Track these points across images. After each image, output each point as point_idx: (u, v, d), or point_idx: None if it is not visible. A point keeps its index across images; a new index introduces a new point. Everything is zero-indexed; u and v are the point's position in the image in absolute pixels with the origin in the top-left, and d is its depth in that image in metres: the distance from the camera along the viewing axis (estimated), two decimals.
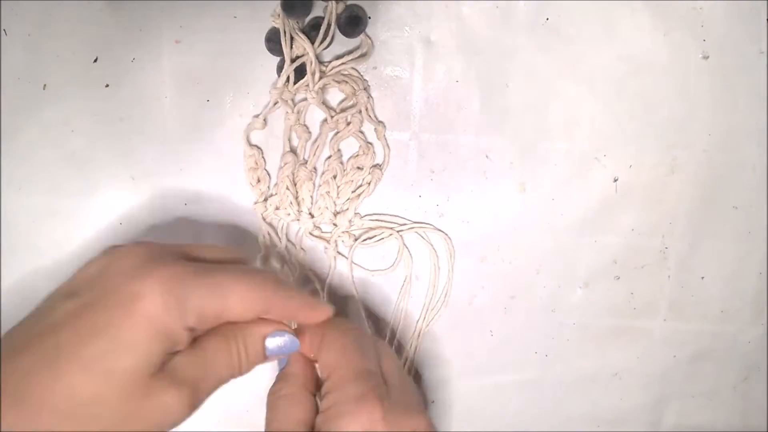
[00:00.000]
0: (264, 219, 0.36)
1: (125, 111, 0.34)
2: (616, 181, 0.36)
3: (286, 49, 0.32)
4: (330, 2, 0.32)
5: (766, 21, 0.34)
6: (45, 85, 0.34)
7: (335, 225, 0.36)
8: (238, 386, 0.38)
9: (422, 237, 0.36)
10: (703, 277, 0.38)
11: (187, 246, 0.30)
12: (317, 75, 0.33)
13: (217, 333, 0.29)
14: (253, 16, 0.33)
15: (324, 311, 0.30)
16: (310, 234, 0.36)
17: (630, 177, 0.36)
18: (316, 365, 0.31)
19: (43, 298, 0.27)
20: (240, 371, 0.30)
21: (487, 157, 0.36)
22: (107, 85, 0.34)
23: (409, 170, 0.36)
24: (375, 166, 0.35)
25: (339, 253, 0.36)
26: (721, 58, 0.35)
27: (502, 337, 0.38)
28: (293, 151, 0.35)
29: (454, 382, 0.39)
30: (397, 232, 0.36)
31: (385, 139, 0.35)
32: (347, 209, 0.36)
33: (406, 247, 0.36)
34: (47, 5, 0.33)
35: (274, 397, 0.30)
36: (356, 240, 0.36)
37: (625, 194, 0.36)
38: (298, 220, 0.35)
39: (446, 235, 0.36)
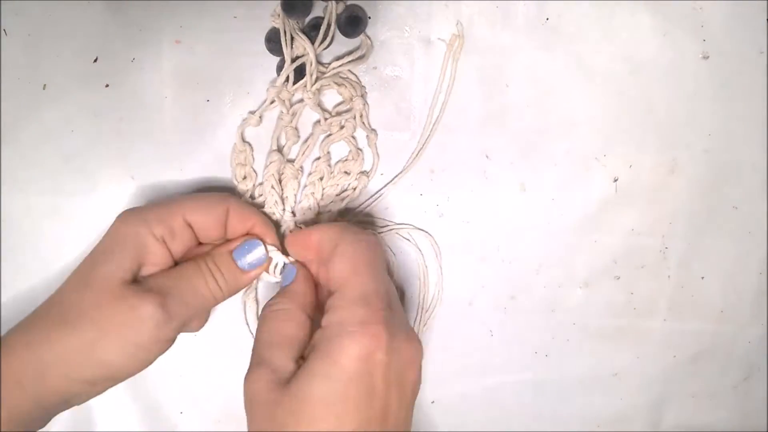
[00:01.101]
0: None
1: (125, 111, 0.34)
2: (616, 181, 0.36)
3: (286, 50, 0.32)
4: (330, 2, 0.32)
5: (766, 21, 0.34)
6: (45, 85, 0.34)
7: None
8: (238, 387, 0.38)
9: (406, 238, 0.36)
10: (703, 277, 0.38)
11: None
12: (315, 75, 0.33)
13: (190, 257, 0.32)
14: (253, 16, 0.33)
15: (273, 236, 0.33)
16: (290, 232, 0.35)
17: (630, 177, 0.36)
18: (321, 283, 0.32)
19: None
20: (221, 290, 0.31)
21: (487, 157, 0.36)
22: (107, 85, 0.34)
23: (409, 170, 0.36)
24: (362, 172, 0.35)
25: None
26: (721, 58, 0.35)
27: (502, 337, 0.38)
28: (280, 150, 0.35)
29: (454, 382, 0.39)
30: (379, 234, 0.36)
31: (376, 147, 0.35)
32: (330, 211, 0.36)
33: (389, 248, 0.36)
34: (47, 5, 0.33)
35: (268, 310, 0.30)
36: None
37: (625, 194, 0.36)
38: (281, 218, 0.35)
39: (428, 233, 0.36)
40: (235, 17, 0.33)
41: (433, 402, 0.39)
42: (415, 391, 0.28)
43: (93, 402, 0.37)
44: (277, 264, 0.33)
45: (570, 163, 0.36)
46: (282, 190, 0.35)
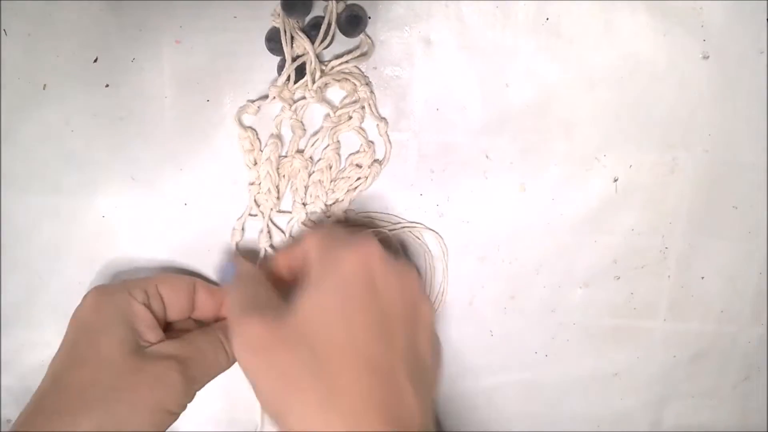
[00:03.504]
0: (256, 202, 0.35)
1: (125, 111, 0.34)
2: (616, 181, 0.36)
3: (286, 49, 0.32)
4: (330, 2, 0.32)
5: (766, 21, 0.34)
6: (45, 85, 0.34)
7: (328, 217, 0.36)
8: (238, 387, 0.38)
9: (416, 237, 0.36)
10: (703, 277, 0.38)
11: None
12: (317, 74, 0.33)
13: (196, 329, 0.33)
14: (253, 16, 0.33)
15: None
16: (302, 224, 0.36)
17: (630, 177, 0.36)
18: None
19: None
20: (225, 357, 0.33)
21: (487, 157, 0.36)
22: (107, 85, 0.34)
23: (409, 170, 0.36)
24: (375, 161, 0.35)
25: None
26: (721, 58, 0.35)
27: (501, 337, 0.38)
28: (279, 137, 0.35)
29: (454, 382, 0.39)
30: (389, 231, 0.36)
31: (387, 136, 0.35)
32: (342, 200, 0.35)
33: (399, 247, 0.36)
34: (47, 5, 0.33)
35: (231, 295, 0.31)
36: None
37: (625, 194, 0.36)
38: (274, 206, 0.35)
39: (438, 234, 0.36)
40: (235, 17, 0.33)
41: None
42: (421, 306, 0.28)
43: None
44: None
45: (570, 163, 0.36)
46: (279, 178, 0.35)
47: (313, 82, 0.33)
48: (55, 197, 0.35)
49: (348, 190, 0.35)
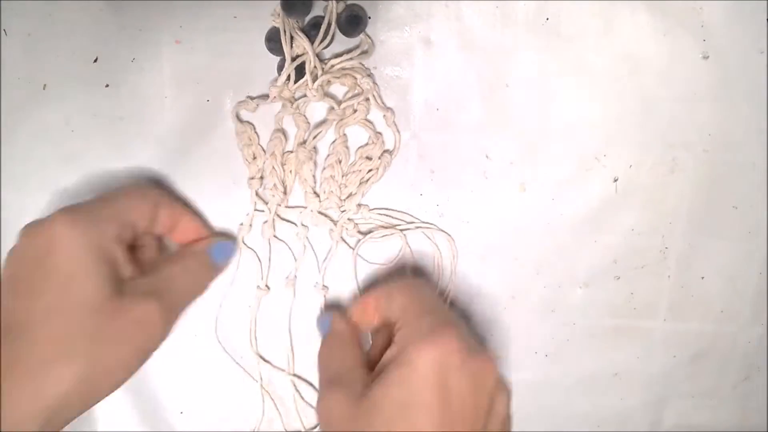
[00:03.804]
0: (258, 195, 0.35)
1: (125, 111, 0.34)
2: (616, 181, 0.36)
3: (286, 48, 0.32)
4: (330, 2, 0.32)
5: (766, 21, 0.34)
6: (45, 85, 0.34)
7: (343, 211, 0.36)
8: (238, 387, 0.38)
9: (428, 238, 0.36)
10: (703, 277, 0.38)
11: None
12: (317, 73, 0.33)
13: (166, 257, 0.33)
14: (253, 16, 0.33)
15: (200, 230, 0.34)
16: (318, 213, 0.35)
17: (630, 177, 0.36)
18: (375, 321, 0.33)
19: None
20: (200, 282, 0.33)
21: (487, 157, 0.36)
22: (107, 85, 0.34)
23: (409, 170, 0.36)
24: (385, 152, 0.35)
25: (342, 239, 0.36)
26: (721, 58, 0.35)
27: (502, 337, 0.38)
28: (282, 131, 0.35)
29: None
30: (402, 231, 0.36)
31: (395, 125, 0.35)
32: (355, 194, 0.35)
33: (409, 246, 0.36)
34: (47, 5, 0.33)
35: (322, 354, 0.33)
36: (363, 235, 0.36)
37: (625, 194, 0.36)
38: (282, 201, 0.35)
39: (450, 236, 0.36)
40: (235, 17, 0.33)
41: None
42: (496, 398, 0.28)
43: None
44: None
45: (570, 163, 0.36)
46: (284, 172, 0.35)
47: (314, 81, 0.33)
48: (55, 197, 0.35)
49: (360, 183, 0.35)
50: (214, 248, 0.34)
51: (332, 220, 0.36)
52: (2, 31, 0.33)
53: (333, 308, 0.36)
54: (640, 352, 0.39)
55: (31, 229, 0.28)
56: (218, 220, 0.36)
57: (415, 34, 0.34)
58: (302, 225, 0.36)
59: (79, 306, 0.27)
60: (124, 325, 0.27)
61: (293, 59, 0.33)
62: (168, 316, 0.29)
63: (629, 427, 0.40)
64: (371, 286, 0.37)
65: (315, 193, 0.35)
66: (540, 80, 0.35)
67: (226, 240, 0.35)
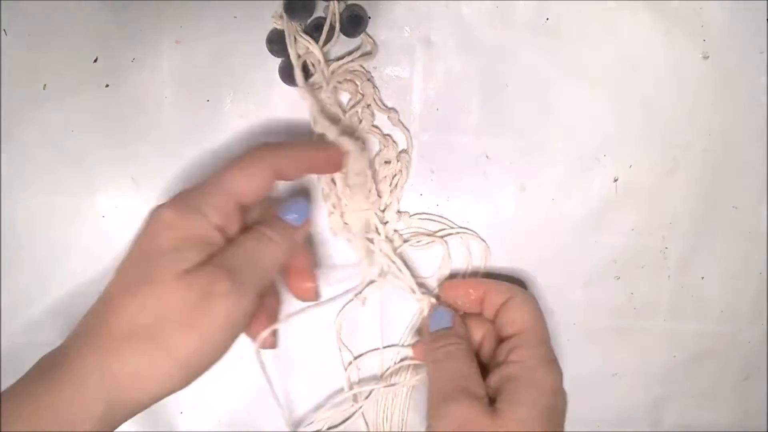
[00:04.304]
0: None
1: (125, 111, 0.34)
2: (616, 181, 0.36)
3: (292, 51, 0.32)
4: (331, 2, 0.32)
5: (766, 21, 0.34)
6: (45, 85, 0.34)
7: (385, 224, 0.35)
8: (238, 387, 0.38)
9: (463, 244, 0.36)
10: (703, 277, 0.38)
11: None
12: (327, 73, 0.33)
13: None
14: (253, 16, 0.33)
15: (335, 149, 0.32)
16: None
17: (630, 177, 0.36)
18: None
19: None
20: (279, 251, 0.30)
21: (487, 157, 0.36)
22: (107, 85, 0.34)
23: (410, 170, 0.36)
24: (402, 151, 0.35)
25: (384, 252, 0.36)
26: (721, 58, 0.35)
27: None
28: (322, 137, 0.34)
29: None
30: (443, 238, 0.36)
31: (402, 123, 0.35)
32: (390, 203, 0.35)
33: (448, 252, 0.37)
34: (47, 5, 0.33)
35: (438, 352, 0.33)
36: (404, 242, 0.36)
37: (625, 194, 0.36)
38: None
39: (486, 243, 0.36)
40: (235, 17, 0.33)
41: None
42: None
43: None
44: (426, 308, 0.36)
45: (570, 163, 0.36)
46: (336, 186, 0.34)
47: (327, 83, 0.33)
48: (55, 197, 0.35)
49: (391, 190, 0.35)
50: (284, 208, 0.31)
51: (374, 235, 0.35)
52: (2, 31, 0.33)
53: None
54: (640, 352, 0.39)
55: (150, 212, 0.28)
56: None
57: (415, 34, 0.34)
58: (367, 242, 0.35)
59: (164, 289, 0.26)
60: (193, 304, 0.26)
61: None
62: (240, 290, 0.27)
63: (629, 427, 0.40)
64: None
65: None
66: (540, 80, 0.35)
67: (296, 198, 0.32)
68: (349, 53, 0.34)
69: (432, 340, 0.33)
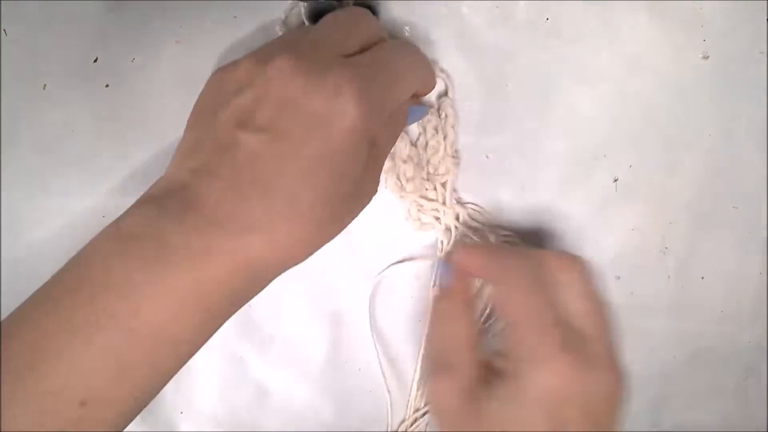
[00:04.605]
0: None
1: (125, 111, 0.34)
2: (616, 181, 0.36)
3: None
4: (346, 1, 0.32)
5: (766, 21, 0.34)
6: (45, 85, 0.34)
7: (443, 203, 0.34)
8: (238, 387, 0.38)
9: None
10: (703, 277, 0.38)
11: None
12: None
13: None
14: (254, 16, 0.33)
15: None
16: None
17: (630, 177, 0.36)
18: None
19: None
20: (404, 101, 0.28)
21: (487, 157, 0.36)
22: (107, 85, 0.34)
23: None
24: (442, 95, 0.34)
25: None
26: (721, 58, 0.35)
27: None
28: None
29: None
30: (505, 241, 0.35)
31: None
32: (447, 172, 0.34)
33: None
34: (47, 5, 0.33)
35: (439, 313, 0.31)
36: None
37: (625, 194, 0.36)
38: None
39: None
40: (235, 17, 0.33)
41: None
42: (611, 425, 0.27)
43: None
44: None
45: (570, 163, 0.36)
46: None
47: None
48: (55, 197, 0.35)
49: (444, 158, 0.34)
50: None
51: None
52: (2, 31, 0.33)
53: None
54: (640, 352, 0.39)
55: (275, 78, 0.24)
56: None
57: (415, 34, 0.34)
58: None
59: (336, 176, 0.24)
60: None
61: None
62: (364, 96, 0.23)
63: (629, 427, 0.40)
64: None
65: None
66: (540, 80, 0.35)
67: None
68: None
69: (434, 300, 0.32)
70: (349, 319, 0.37)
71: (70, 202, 0.35)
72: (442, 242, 0.35)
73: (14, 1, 0.33)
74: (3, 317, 0.36)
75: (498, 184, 0.36)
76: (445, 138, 0.33)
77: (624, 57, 0.34)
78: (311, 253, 0.25)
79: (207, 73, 0.34)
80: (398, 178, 0.33)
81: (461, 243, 0.35)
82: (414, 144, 0.34)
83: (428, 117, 0.33)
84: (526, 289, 0.28)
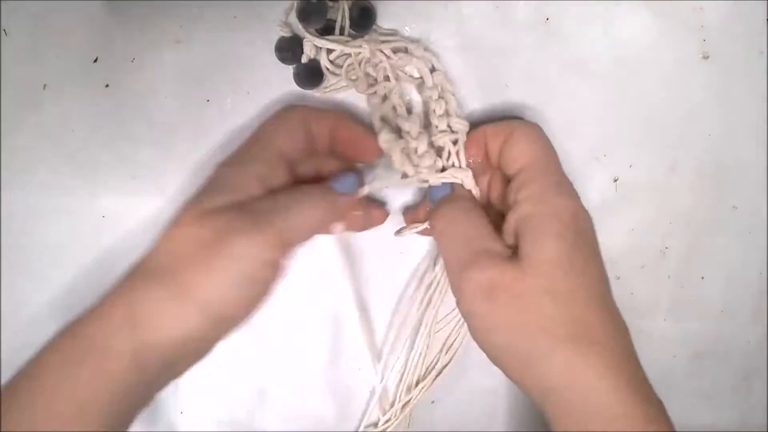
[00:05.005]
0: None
1: (125, 111, 0.34)
2: (616, 181, 0.36)
3: (324, 59, 0.33)
4: (340, 1, 0.32)
5: (766, 21, 0.34)
6: (45, 85, 0.34)
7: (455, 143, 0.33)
8: (238, 387, 0.38)
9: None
10: (703, 277, 0.38)
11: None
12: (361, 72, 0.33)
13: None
14: (254, 16, 0.33)
15: (374, 146, 0.32)
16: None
17: (630, 177, 0.36)
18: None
19: None
20: (315, 210, 0.29)
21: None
22: (107, 85, 0.34)
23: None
24: (433, 70, 0.34)
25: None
26: (721, 58, 0.35)
27: None
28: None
29: (455, 382, 0.39)
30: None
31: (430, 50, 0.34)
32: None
33: None
34: (47, 5, 0.33)
35: (443, 221, 0.31)
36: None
37: (625, 194, 0.36)
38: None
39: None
40: (235, 17, 0.33)
41: (433, 402, 0.39)
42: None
43: None
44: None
45: (570, 163, 0.36)
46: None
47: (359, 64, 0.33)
48: (55, 197, 0.35)
49: (451, 119, 0.33)
50: (335, 177, 0.31)
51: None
52: (2, 31, 0.33)
53: None
54: (640, 352, 0.39)
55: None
56: None
57: (415, 34, 0.34)
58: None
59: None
60: (213, 240, 0.26)
61: (309, 61, 0.33)
62: (261, 232, 0.26)
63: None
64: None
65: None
66: (540, 80, 0.35)
67: (349, 172, 0.32)
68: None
69: (434, 210, 0.32)
70: (349, 319, 0.37)
71: (70, 202, 0.35)
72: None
73: (14, 1, 0.33)
74: (3, 314, 0.36)
75: None
76: (447, 103, 0.33)
77: (624, 57, 0.34)
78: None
79: (207, 73, 0.34)
80: (409, 157, 0.32)
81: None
82: (421, 119, 0.33)
83: (429, 87, 0.33)
84: (532, 132, 0.31)
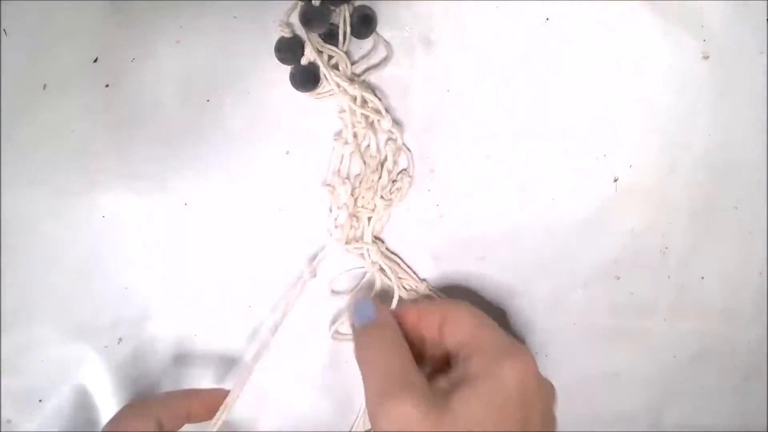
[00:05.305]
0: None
1: (125, 111, 0.34)
2: (616, 181, 0.36)
3: (324, 65, 0.33)
4: (342, 6, 0.32)
5: (766, 21, 0.34)
6: (45, 85, 0.34)
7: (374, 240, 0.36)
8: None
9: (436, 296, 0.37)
10: (703, 277, 0.38)
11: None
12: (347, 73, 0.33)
13: None
14: (254, 16, 0.33)
15: (210, 394, 0.35)
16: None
17: (630, 177, 0.36)
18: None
19: None
20: None
21: (487, 157, 0.36)
22: (107, 85, 0.34)
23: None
24: (402, 171, 0.36)
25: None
26: (721, 58, 0.35)
27: None
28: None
29: None
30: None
31: (405, 146, 0.35)
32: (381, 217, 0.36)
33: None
34: (47, 5, 0.33)
35: (367, 348, 0.30)
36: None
37: (625, 194, 0.36)
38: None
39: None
40: (235, 17, 0.33)
41: None
42: (551, 418, 0.30)
43: (95, 403, 0.37)
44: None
45: (570, 163, 0.36)
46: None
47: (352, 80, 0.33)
48: (55, 197, 0.35)
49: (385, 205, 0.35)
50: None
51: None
52: (2, 31, 0.33)
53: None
54: (640, 352, 0.39)
55: None
56: (218, 220, 0.36)
57: (415, 34, 0.34)
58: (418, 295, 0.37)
59: None
60: None
61: (308, 65, 0.33)
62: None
63: (629, 427, 0.40)
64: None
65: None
66: (540, 80, 0.35)
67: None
68: (362, 57, 0.34)
69: (358, 336, 0.31)
70: (348, 319, 0.37)
71: (70, 201, 0.35)
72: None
73: (14, 1, 0.33)
74: (3, 314, 0.36)
75: (498, 184, 0.36)
76: (379, 178, 0.35)
77: (624, 57, 0.34)
78: None
79: (207, 73, 0.34)
80: (335, 223, 0.35)
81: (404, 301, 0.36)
82: (352, 192, 0.35)
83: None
84: (472, 312, 0.31)
